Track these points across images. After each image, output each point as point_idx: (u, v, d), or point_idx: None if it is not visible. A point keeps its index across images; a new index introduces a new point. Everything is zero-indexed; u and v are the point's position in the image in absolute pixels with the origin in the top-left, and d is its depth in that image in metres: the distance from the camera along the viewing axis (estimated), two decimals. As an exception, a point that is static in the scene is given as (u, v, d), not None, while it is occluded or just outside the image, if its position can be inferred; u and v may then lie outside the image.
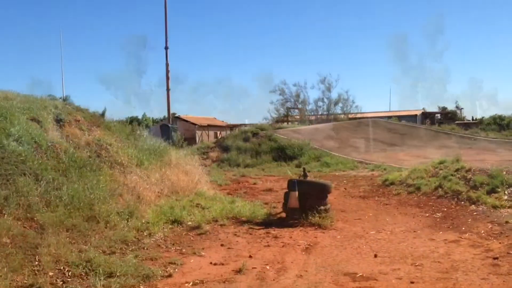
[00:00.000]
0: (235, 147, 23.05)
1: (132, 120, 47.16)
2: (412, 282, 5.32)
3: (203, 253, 6.67)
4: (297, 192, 8.54)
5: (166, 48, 28.75)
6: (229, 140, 24.23)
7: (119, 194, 8.08)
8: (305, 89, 47.26)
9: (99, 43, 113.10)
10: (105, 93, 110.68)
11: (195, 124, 46.00)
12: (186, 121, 46.55)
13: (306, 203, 8.58)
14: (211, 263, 6.20)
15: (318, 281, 5.44)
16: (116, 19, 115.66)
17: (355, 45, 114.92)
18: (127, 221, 7.34)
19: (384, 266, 6.03)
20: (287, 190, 8.96)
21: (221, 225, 8.43)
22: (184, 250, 6.77)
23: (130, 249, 6.48)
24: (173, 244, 7.04)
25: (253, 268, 5.96)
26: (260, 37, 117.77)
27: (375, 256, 6.51)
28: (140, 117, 60.05)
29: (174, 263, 6.04)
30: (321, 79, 46.17)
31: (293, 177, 9.83)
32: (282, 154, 21.76)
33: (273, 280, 5.52)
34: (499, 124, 58.42)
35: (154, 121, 56.92)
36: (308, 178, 9.22)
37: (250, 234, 7.92)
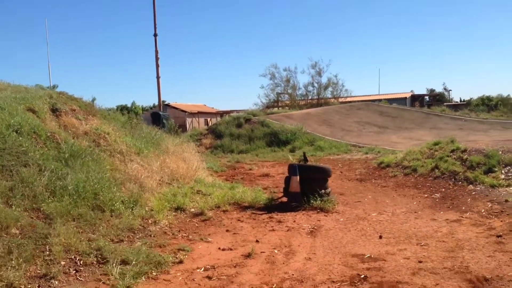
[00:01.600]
0: (228, 133, 23.08)
1: (122, 108, 46.89)
2: (420, 261, 5.41)
3: (210, 239, 6.72)
4: (298, 177, 8.60)
5: (155, 35, 28.29)
6: (222, 127, 24.22)
7: (121, 182, 8.06)
8: (295, 73, 47.22)
9: (86, 28, 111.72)
10: (92, 81, 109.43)
11: (185, 111, 45.85)
12: (176, 108, 46.36)
13: (307, 187, 8.65)
14: (219, 248, 6.25)
15: (328, 263, 5.52)
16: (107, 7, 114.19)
17: (343, 28, 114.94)
18: (132, 209, 7.34)
19: (390, 246, 6.13)
20: (287, 175, 9.01)
21: (223, 211, 8.48)
22: (190, 237, 6.81)
23: (137, 236, 6.50)
24: (179, 231, 7.07)
25: (261, 252, 6.02)
26: (251, 20, 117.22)
27: (380, 237, 6.60)
28: (129, 105, 59.67)
29: (183, 250, 6.08)
30: (312, 64, 46.00)
31: (293, 161, 9.87)
32: (275, 139, 21.83)
33: (283, 263, 5.59)
34: (487, 105, 59.12)
35: (144, 109, 56.60)
36: (308, 163, 9.29)
37: (254, 219, 7.98)
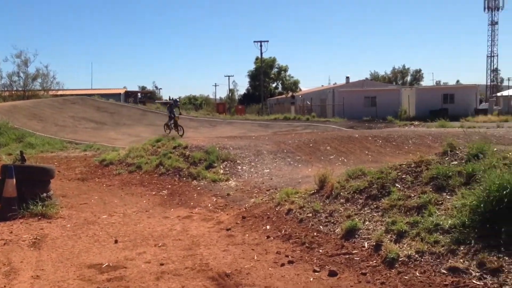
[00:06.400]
0: None
1: None
2: (162, 264, 5.25)
3: None
4: (14, 180, 7.39)
5: None
6: None
7: None
8: (-4, 61, 41.71)
9: None
10: None
11: None
12: None
13: (25, 191, 7.53)
14: None
15: (61, 279, 4.81)
16: None
17: (53, 17, 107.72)
18: None
19: (128, 251, 5.79)
20: (0, 178, 7.67)
21: None
22: None
23: None
24: None
25: (-29, 277, 4.86)
26: None
27: (116, 241, 6.20)
28: None
29: None
30: (17, 53, 41.55)
31: (7, 162, 8.47)
32: (-26, 135, 18.67)
33: (4, 287, 4.62)
34: (193, 104, 64.90)
35: None
36: (27, 163, 8.12)
37: (-45, 234, 6.47)
